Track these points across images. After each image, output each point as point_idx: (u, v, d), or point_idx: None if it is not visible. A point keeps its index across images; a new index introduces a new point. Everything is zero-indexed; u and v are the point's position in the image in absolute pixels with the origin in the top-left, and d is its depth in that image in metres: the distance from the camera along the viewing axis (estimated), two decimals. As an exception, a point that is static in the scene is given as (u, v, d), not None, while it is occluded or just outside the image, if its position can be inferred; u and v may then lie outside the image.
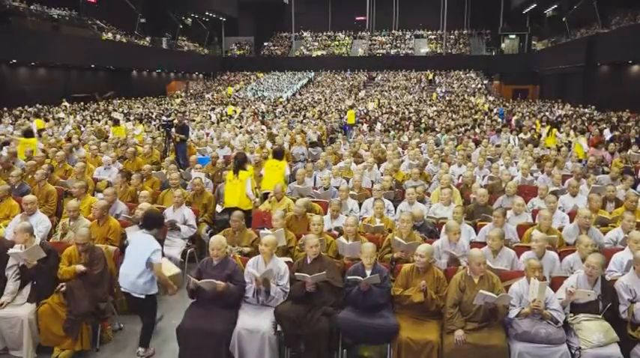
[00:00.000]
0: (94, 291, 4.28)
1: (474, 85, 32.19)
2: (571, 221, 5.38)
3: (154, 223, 4.17)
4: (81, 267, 4.25)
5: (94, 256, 4.36)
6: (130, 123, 14.63)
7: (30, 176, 6.79)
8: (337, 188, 6.59)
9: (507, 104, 25.11)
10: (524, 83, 34.18)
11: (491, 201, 6.15)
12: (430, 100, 26.65)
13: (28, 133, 9.57)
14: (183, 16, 37.27)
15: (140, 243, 4.06)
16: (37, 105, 20.25)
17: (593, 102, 22.45)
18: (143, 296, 4.08)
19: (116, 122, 12.89)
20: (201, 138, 11.51)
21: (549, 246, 4.54)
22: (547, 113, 19.91)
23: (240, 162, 6.41)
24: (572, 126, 14.04)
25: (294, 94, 31.70)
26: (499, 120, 17.42)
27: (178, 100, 27.64)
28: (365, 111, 21.62)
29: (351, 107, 21.46)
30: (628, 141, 10.73)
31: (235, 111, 20.66)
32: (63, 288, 4.20)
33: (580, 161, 9.27)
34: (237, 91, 32.63)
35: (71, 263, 4.36)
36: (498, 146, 10.39)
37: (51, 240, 5.15)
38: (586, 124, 15.04)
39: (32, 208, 5.18)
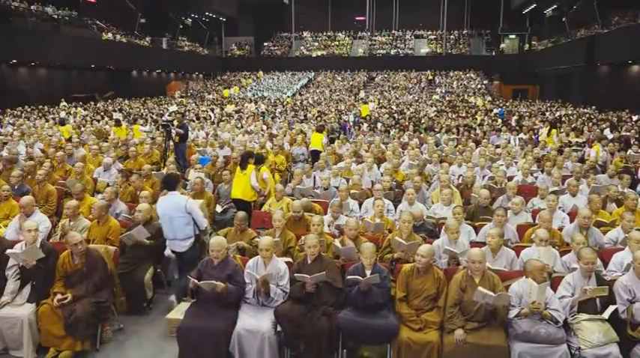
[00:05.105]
0: (98, 296, 4.28)
1: (473, 85, 32.17)
2: (571, 221, 5.39)
3: (174, 182, 5.01)
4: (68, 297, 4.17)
5: (91, 261, 4.33)
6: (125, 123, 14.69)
7: (30, 176, 6.79)
8: (337, 188, 6.60)
9: (507, 104, 25.10)
10: (524, 83, 34.08)
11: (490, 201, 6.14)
12: (430, 100, 26.65)
13: (118, 122, 12.51)
14: (183, 17, 37.22)
15: (171, 200, 4.83)
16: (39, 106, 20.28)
17: (593, 102, 22.43)
18: (185, 249, 4.82)
19: (117, 122, 12.90)
20: (199, 139, 11.49)
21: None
22: (547, 113, 19.90)
23: (244, 159, 6.83)
24: (572, 126, 14.04)
25: (294, 94, 31.68)
26: (499, 120, 17.42)
27: (177, 101, 27.60)
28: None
29: (365, 102, 22.91)
30: (628, 141, 10.73)
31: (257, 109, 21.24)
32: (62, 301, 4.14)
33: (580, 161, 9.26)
34: (235, 92, 32.60)
35: (66, 271, 4.31)
36: (498, 146, 10.38)
37: (51, 240, 5.14)
38: (587, 124, 15.03)
39: (29, 210, 5.14)
